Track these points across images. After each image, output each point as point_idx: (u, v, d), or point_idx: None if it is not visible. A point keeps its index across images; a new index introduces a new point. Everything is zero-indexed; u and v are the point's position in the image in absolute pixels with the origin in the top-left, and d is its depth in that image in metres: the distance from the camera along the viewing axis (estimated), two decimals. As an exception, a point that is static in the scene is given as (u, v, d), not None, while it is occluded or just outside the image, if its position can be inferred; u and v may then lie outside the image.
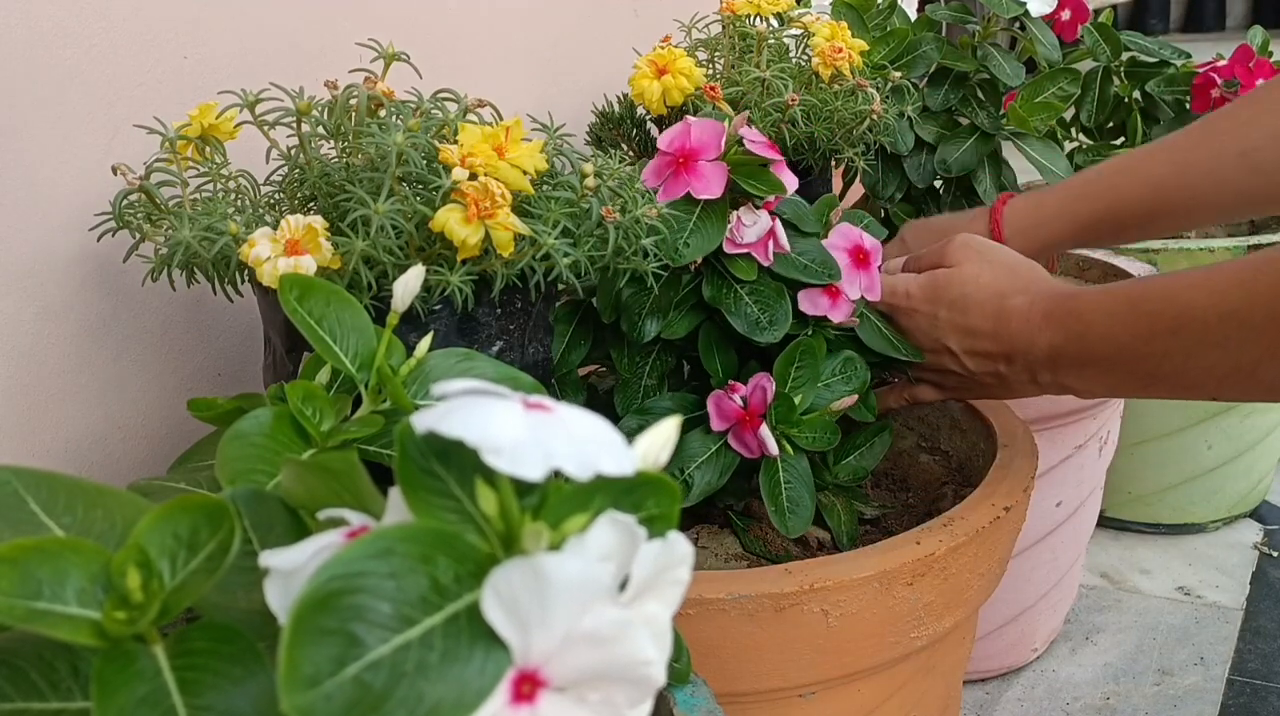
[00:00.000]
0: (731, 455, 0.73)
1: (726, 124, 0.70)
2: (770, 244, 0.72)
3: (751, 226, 0.70)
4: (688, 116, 0.72)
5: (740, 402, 0.72)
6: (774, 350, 0.74)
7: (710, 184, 0.68)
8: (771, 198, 0.71)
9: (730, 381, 0.73)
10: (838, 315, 0.74)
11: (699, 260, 0.71)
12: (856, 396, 0.75)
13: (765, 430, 0.71)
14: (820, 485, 0.77)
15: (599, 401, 0.80)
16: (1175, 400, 0.70)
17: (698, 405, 0.75)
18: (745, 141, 0.70)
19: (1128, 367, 0.68)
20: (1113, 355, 0.68)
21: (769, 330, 0.71)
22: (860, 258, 0.76)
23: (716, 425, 0.73)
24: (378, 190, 0.55)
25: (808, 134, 0.85)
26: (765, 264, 0.72)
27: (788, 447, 0.72)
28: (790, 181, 0.72)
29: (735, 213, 0.70)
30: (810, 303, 0.74)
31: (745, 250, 0.71)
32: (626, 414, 0.74)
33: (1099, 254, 1.30)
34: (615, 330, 0.75)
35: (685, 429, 0.73)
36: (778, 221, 0.72)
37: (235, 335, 0.80)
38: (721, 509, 0.81)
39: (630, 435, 0.30)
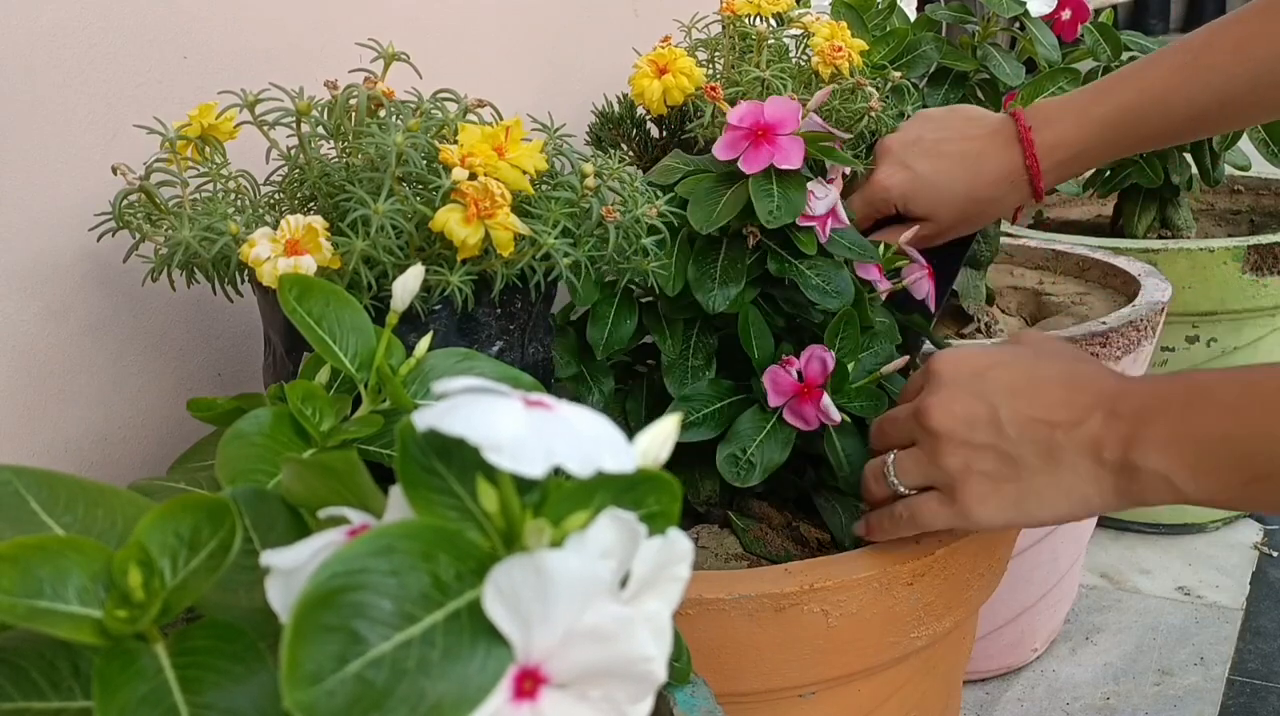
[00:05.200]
0: (789, 429, 0.75)
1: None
2: (830, 221, 0.75)
3: (823, 199, 0.74)
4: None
5: (795, 376, 0.74)
6: (802, 334, 0.77)
7: (790, 155, 0.72)
8: (834, 175, 0.76)
9: (784, 357, 0.75)
10: (882, 285, 0.80)
11: (757, 237, 0.74)
12: (907, 358, 0.78)
13: (828, 399, 0.72)
14: (820, 484, 0.77)
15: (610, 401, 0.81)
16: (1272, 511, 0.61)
17: (734, 390, 0.77)
18: (805, 121, 0.74)
19: (1244, 448, 0.56)
20: (1226, 432, 0.56)
21: (836, 298, 0.74)
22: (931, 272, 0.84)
23: (773, 400, 0.74)
24: (378, 190, 0.55)
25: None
26: (822, 240, 0.75)
27: (845, 417, 0.74)
28: (854, 160, 0.77)
29: (808, 185, 0.73)
30: (863, 269, 0.79)
31: (813, 223, 0.74)
32: (678, 396, 0.76)
33: (1099, 254, 1.30)
34: (655, 313, 0.77)
35: (733, 412, 0.76)
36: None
37: (235, 335, 0.80)
38: (721, 511, 0.81)
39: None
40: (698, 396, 0.76)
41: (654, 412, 0.78)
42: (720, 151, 0.74)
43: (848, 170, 0.83)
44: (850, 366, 0.75)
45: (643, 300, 0.77)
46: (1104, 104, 0.84)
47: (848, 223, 0.77)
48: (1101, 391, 0.61)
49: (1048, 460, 0.61)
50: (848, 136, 0.76)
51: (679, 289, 0.74)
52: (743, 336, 0.75)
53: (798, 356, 0.74)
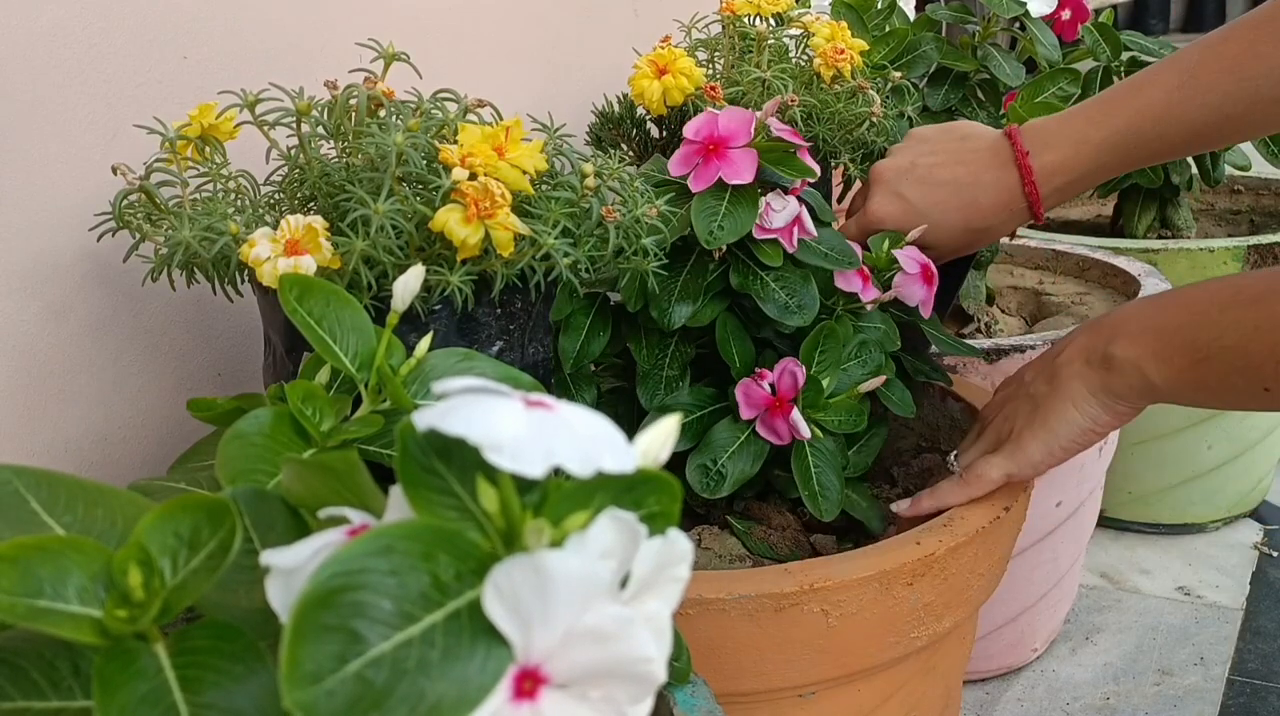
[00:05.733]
0: (761, 443, 0.74)
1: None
2: (795, 230, 0.73)
3: (780, 211, 0.72)
4: (709, 108, 0.74)
5: (768, 389, 0.73)
6: (788, 341, 0.76)
7: (741, 170, 0.70)
8: (798, 183, 0.73)
9: (757, 369, 0.74)
10: (868, 295, 0.78)
11: (723, 249, 0.72)
12: (885, 377, 0.76)
13: (797, 414, 0.72)
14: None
15: (602, 400, 0.80)
16: (1217, 398, 0.69)
17: (715, 398, 0.76)
18: (771, 128, 0.72)
19: (1190, 334, 0.66)
20: (1180, 322, 0.67)
21: (798, 314, 0.72)
22: (929, 275, 0.81)
23: (745, 413, 0.74)
24: (378, 190, 0.55)
25: (808, 135, 0.85)
26: (790, 250, 0.73)
27: (817, 432, 0.73)
28: (815, 168, 0.73)
29: (764, 198, 0.72)
30: (844, 280, 0.77)
31: (773, 236, 0.72)
32: (650, 407, 0.75)
33: (1099, 254, 1.30)
34: (634, 322, 0.76)
35: (711, 421, 0.75)
36: (804, 207, 0.74)
37: (235, 335, 0.80)
38: (722, 512, 0.81)
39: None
40: (677, 405, 0.75)
41: (643, 416, 0.77)
42: (674, 166, 0.72)
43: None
44: (826, 381, 0.73)
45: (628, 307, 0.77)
46: (1102, 128, 0.84)
47: (815, 232, 0.75)
48: (1081, 330, 0.75)
49: (1052, 382, 0.73)
50: (806, 144, 0.74)
51: (638, 306, 0.73)
52: (721, 347, 0.74)
53: (774, 368, 0.73)
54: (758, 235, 0.72)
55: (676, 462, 0.75)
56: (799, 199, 0.74)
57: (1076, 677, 1.22)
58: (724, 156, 0.70)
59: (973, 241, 0.88)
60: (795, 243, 0.73)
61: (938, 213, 0.84)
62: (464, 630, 0.27)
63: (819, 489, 0.73)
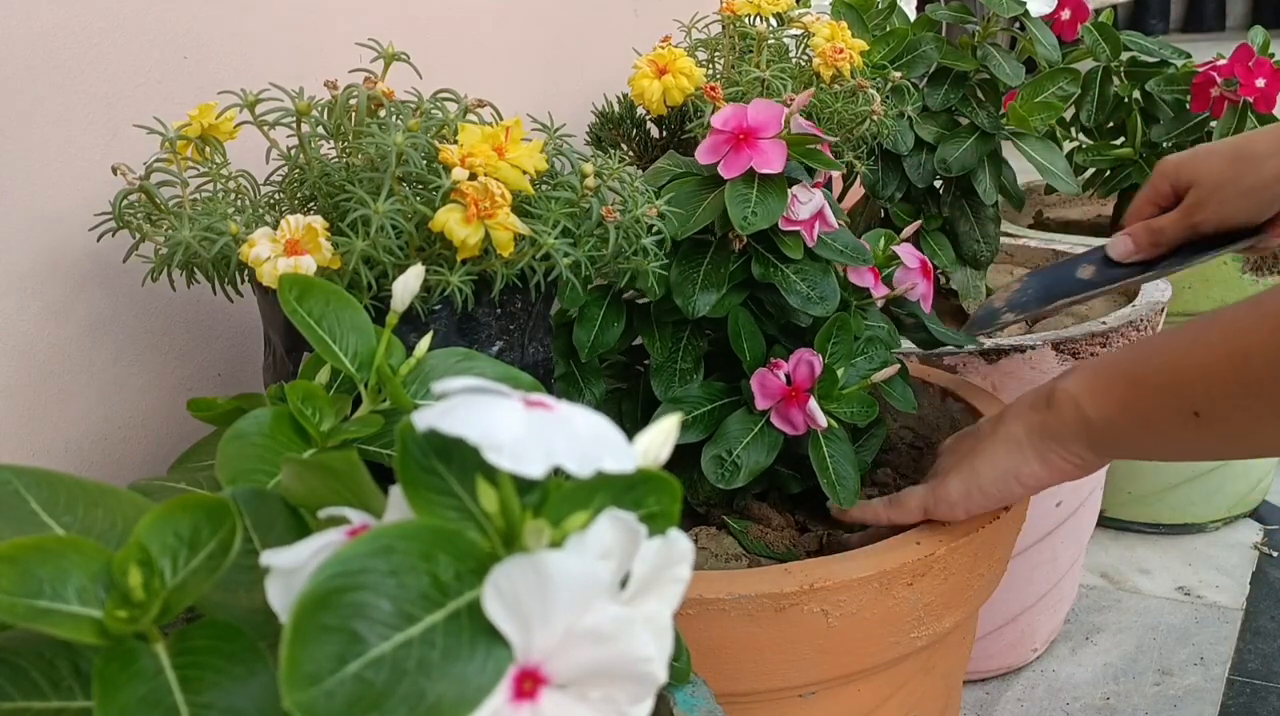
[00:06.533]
0: (775, 433, 0.74)
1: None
2: (817, 224, 0.74)
3: (807, 203, 0.73)
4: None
5: (783, 379, 0.73)
6: (794, 338, 0.77)
7: (771, 159, 0.71)
8: (819, 179, 0.75)
9: (771, 359, 0.74)
10: (879, 291, 0.79)
11: (743, 241, 0.74)
12: (899, 366, 0.77)
13: (814, 404, 0.72)
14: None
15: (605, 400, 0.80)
16: (1146, 429, 0.65)
17: (725, 392, 0.76)
18: (792, 123, 0.73)
19: (1130, 365, 0.65)
20: (1125, 357, 0.65)
21: (820, 304, 0.73)
22: (927, 270, 0.83)
23: (760, 403, 0.74)
24: (378, 190, 0.55)
25: (808, 134, 0.85)
26: (809, 244, 0.74)
27: (831, 421, 0.73)
28: (838, 163, 0.76)
29: (791, 190, 0.73)
30: (857, 276, 0.79)
31: (797, 228, 0.73)
32: (665, 398, 0.76)
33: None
34: (646, 315, 0.76)
35: (722, 414, 0.76)
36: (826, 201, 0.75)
37: (235, 335, 0.80)
38: (720, 513, 0.81)
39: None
40: (688, 398, 0.75)
41: (650, 412, 0.78)
42: (703, 155, 0.73)
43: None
44: (841, 372, 0.74)
45: (638, 301, 0.77)
46: None
47: (835, 225, 0.76)
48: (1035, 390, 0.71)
49: (998, 423, 0.72)
50: (833, 139, 0.75)
51: (661, 293, 0.74)
52: (733, 339, 0.75)
53: (788, 359, 0.74)
54: (783, 226, 0.73)
55: (691, 454, 0.75)
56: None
57: (1076, 677, 1.22)
58: (755, 146, 0.71)
59: (1242, 173, 0.82)
60: (814, 237, 0.74)
61: (1214, 145, 0.83)
62: (464, 630, 0.27)
63: (836, 478, 0.74)
